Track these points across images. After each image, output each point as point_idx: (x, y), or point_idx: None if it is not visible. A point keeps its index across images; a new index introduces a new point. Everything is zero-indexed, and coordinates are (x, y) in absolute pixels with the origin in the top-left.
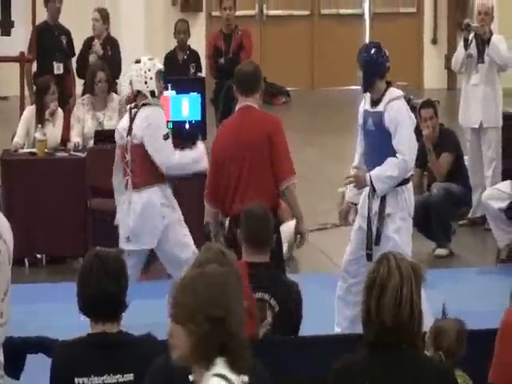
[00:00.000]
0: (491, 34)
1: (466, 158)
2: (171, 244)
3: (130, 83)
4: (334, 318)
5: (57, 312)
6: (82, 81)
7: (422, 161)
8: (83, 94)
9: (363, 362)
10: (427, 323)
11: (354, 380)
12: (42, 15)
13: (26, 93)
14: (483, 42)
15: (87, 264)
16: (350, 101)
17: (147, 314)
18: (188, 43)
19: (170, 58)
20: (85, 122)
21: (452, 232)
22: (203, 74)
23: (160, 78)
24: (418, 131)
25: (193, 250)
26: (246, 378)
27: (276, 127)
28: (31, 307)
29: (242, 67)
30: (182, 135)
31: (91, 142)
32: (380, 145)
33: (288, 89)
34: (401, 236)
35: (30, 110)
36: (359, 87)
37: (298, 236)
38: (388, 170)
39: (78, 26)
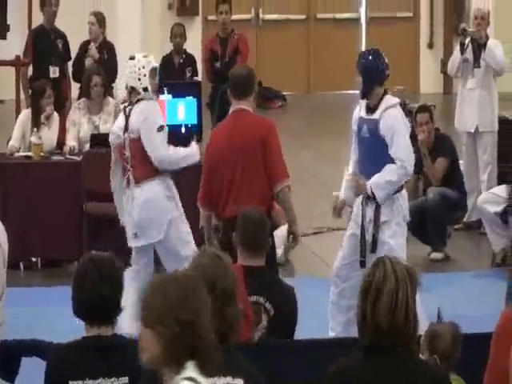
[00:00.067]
0: (487, 38)
1: (461, 162)
2: (173, 239)
3: (126, 87)
4: (329, 322)
5: (52, 315)
6: (78, 85)
7: (417, 165)
8: (79, 98)
9: (358, 366)
10: (422, 327)
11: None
12: (38, 19)
13: (22, 96)
14: (479, 46)
15: (82, 268)
16: (346, 105)
17: None
18: (184, 47)
19: (166, 62)
20: (80, 125)
21: (447, 236)
22: (199, 78)
23: (154, 75)
24: (413, 136)
25: (193, 248)
26: (241, 382)
27: (269, 130)
28: (26, 311)
29: (236, 71)
30: (178, 139)
31: (87, 146)
32: (374, 152)
33: (284, 93)
34: (396, 240)
35: (25, 114)
36: (357, 92)
37: (291, 237)
38: (387, 175)
39: (74, 30)
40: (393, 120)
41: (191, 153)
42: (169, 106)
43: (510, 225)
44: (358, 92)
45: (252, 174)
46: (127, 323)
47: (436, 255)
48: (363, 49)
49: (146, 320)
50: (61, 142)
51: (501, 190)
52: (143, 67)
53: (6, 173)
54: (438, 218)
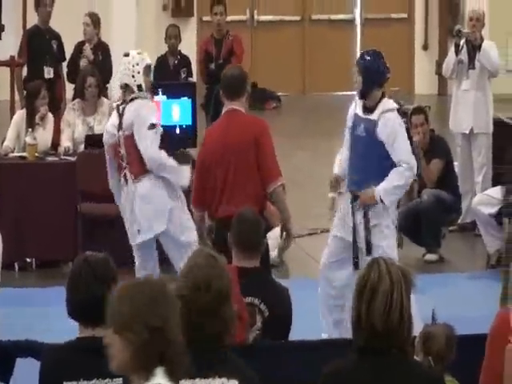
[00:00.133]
0: (482, 40)
1: (456, 163)
2: (175, 227)
3: (121, 85)
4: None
5: (46, 316)
6: (73, 86)
7: None
8: (73, 99)
9: (353, 367)
10: (416, 328)
11: None
12: (33, 19)
13: (17, 97)
14: (474, 48)
15: (76, 268)
16: (342, 106)
17: None
18: (179, 48)
19: (160, 63)
20: (75, 126)
21: (442, 237)
22: (194, 78)
23: (148, 72)
24: (408, 137)
25: (194, 234)
26: (236, 383)
27: (262, 130)
28: (21, 311)
29: (228, 71)
30: (173, 140)
31: (81, 147)
32: (369, 152)
33: (279, 94)
34: (387, 242)
35: (20, 114)
36: (353, 93)
37: (285, 234)
38: (395, 180)
39: (69, 31)
40: (392, 124)
41: (181, 172)
42: (164, 107)
43: (505, 226)
44: (355, 92)
45: (245, 174)
46: None
47: (430, 257)
48: (358, 50)
49: (114, 326)
50: (55, 143)
51: (495, 192)
52: (137, 64)
53: (1, 173)
54: (432, 220)
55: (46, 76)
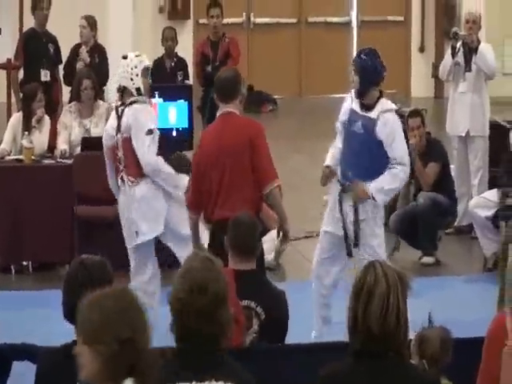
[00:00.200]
0: (479, 42)
1: (452, 166)
2: (173, 223)
3: (119, 88)
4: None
5: (43, 319)
6: (70, 88)
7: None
8: (70, 102)
9: (349, 370)
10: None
11: None
12: (29, 22)
13: (13, 100)
14: (471, 50)
15: (72, 271)
16: (338, 108)
17: None
18: (175, 51)
19: (157, 66)
20: (72, 129)
21: (438, 239)
22: (191, 81)
23: (147, 74)
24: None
25: None
26: None
27: (257, 132)
28: (17, 314)
29: (221, 74)
30: (170, 142)
31: (78, 149)
32: (364, 149)
33: (275, 96)
34: (378, 241)
35: (16, 117)
36: (353, 91)
37: (281, 234)
38: (390, 182)
39: (66, 33)
40: (392, 124)
41: (177, 180)
42: (160, 110)
43: (501, 229)
44: (353, 91)
45: (241, 177)
46: None
47: (427, 260)
48: (354, 53)
49: (84, 336)
50: (52, 146)
51: (492, 195)
52: (135, 67)
53: None
54: (428, 222)
55: (43, 79)
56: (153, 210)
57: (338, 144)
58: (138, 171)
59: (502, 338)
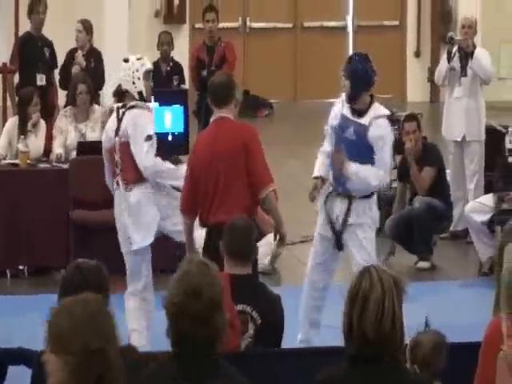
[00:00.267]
0: (474, 47)
1: (448, 171)
2: (170, 223)
3: (117, 90)
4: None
5: (38, 323)
6: (65, 92)
7: (404, 175)
8: (66, 106)
9: (345, 375)
10: None
11: None
12: (25, 26)
13: (9, 104)
14: (466, 55)
15: (68, 276)
16: None
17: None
18: (171, 55)
19: (153, 70)
20: (67, 133)
21: (433, 243)
22: (186, 85)
23: (148, 77)
24: (401, 144)
25: None
26: None
27: (251, 136)
28: (13, 318)
29: (215, 79)
30: (165, 147)
31: (73, 154)
32: (357, 155)
33: (271, 101)
34: (368, 243)
35: (12, 122)
36: (344, 96)
37: (278, 238)
38: (370, 176)
39: (61, 38)
40: (384, 129)
41: (178, 173)
42: (156, 114)
43: (497, 234)
44: (343, 96)
45: (235, 181)
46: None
47: (422, 264)
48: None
49: (51, 345)
50: (48, 150)
51: (488, 199)
52: (137, 70)
53: None
54: (424, 227)
55: (39, 83)
56: (145, 218)
57: (326, 148)
58: (133, 177)
59: (498, 343)
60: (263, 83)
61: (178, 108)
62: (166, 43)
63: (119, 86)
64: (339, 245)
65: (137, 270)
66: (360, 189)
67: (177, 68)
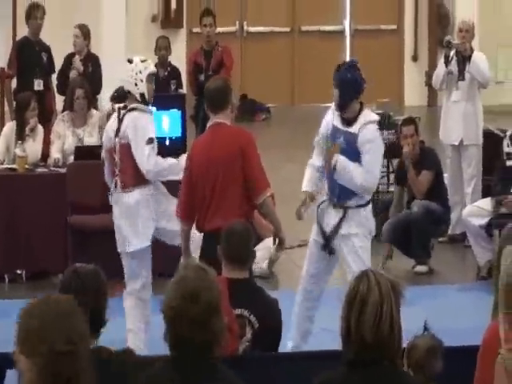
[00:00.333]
0: (472, 51)
1: (445, 175)
2: (165, 221)
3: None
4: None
5: None
6: (63, 97)
7: (402, 178)
8: (63, 111)
9: (343, 379)
10: None
11: None
12: (23, 31)
13: (6, 108)
14: (464, 59)
15: (66, 280)
16: None
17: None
18: (169, 60)
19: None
20: (65, 138)
21: (431, 247)
22: (184, 90)
23: (151, 80)
24: (398, 148)
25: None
26: None
27: (248, 141)
28: (11, 323)
29: (210, 84)
30: (163, 151)
31: (71, 158)
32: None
33: (268, 105)
34: (363, 252)
35: (9, 126)
36: (333, 105)
37: (277, 241)
38: (357, 175)
39: (59, 42)
40: (372, 134)
41: (180, 165)
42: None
43: (495, 238)
44: (333, 105)
45: (232, 185)
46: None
47: (420, 268)
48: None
49: (20, 346)
50: (45, 155)
51: (485, 203)
52: (140, 72)
53: None
54: (422, 231)
55: (36, 88)
56: (142, 221)
57: (315, 162)
58: (132, 178)
59: (496, 347)
60: (261, 87)
61: (175, 112)
62: (163, 48)
63: (120, 87)
64: (329, 249)
65: (133, 271)
66: (344, 183)
67: (174, 72)
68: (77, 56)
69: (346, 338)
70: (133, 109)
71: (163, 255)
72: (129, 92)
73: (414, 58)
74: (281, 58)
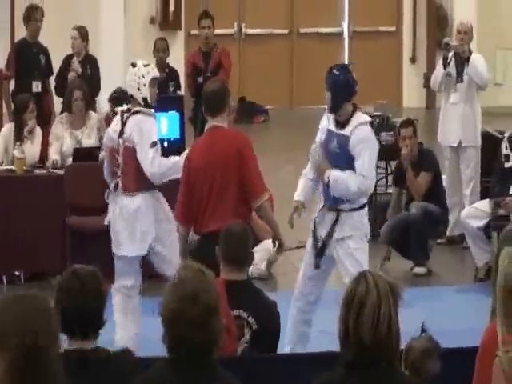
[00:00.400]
0: (470, 53)
1: (444, 177)
2: (165, 247)
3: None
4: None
5: None
6: (61, 99)
7: (400, 180)
8: (62, 113)
9: (341, 381)
10: None
11: None
12: (21, 33)
13: (5, 110)
14: (462, 61)
15: (64, 281)
16: None
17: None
18: (167, 62)
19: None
20: (63, 139)
21: (429, 249)
22: (182, 92)
23: (154, 84)
24: (396, 150)
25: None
26: None
27: (245, 144)
28: None
29: (208, 88)
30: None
31: (69, 160)
32: (343, 167)
33: (267, 107)
34: (360, 254)
35: (8, 128)
36: (325, 108)
37: (276, 243)
38: (350, 182)
39: (57, 44)
40: (364, 134)
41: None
42: None
43: (493, 239)
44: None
45: (229, 187)
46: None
47: (419, 270)
48: (346, 63)
49: None
50: (43, 156)
51: (484, 205)
52: (143, 76)
53: None
54: (421, 232)
55: (34, 90)
56: (140, 228)
57: (308, 174)
58: (133, 183)
59: (494, 349)
60: (259, 89)
61: (174, 114)
62: (161, 50)
63: (118, 89)
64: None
65: (124, 271)
66: (340, 195)
67: (173, 74)
68: (75, 58)
69: (344, 339)
70: (137, 112)
71: None
72: (131, 96)
73: (413, 60)
74: (279, 60)
